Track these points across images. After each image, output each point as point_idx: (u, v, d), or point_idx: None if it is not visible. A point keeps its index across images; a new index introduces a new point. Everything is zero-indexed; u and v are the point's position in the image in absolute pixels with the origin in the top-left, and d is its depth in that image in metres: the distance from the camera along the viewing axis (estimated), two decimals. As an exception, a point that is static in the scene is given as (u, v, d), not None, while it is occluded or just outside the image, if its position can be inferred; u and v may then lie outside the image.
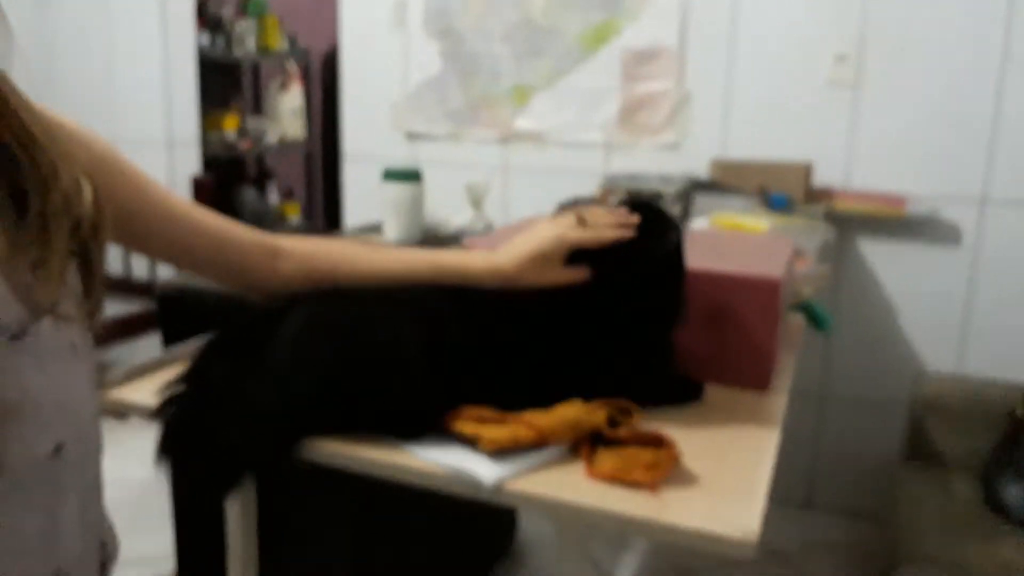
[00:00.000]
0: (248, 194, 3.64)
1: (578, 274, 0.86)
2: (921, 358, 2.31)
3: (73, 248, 0.64)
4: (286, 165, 3.92)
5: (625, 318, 0.87)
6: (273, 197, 3.82)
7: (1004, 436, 1.71)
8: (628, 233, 0.85)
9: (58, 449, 0.61)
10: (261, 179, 3.84)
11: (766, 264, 1.06)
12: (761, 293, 1.00)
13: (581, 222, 0.88)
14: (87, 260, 0.66)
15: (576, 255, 0.86)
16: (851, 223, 2.31)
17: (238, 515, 0.96)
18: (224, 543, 1.01)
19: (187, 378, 0.79)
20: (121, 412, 0.90)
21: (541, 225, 0.90)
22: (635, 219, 0.86)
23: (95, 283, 0.67)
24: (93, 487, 0.68)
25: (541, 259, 0.86)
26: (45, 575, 0.61)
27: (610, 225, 0.87)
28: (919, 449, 1.89)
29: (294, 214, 3.83)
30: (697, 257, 1.03)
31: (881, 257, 2.31)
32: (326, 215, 3.94)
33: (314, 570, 1.46)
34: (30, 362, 0.59)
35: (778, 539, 2.31)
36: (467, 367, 0.81)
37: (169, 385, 0.79)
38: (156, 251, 0.85)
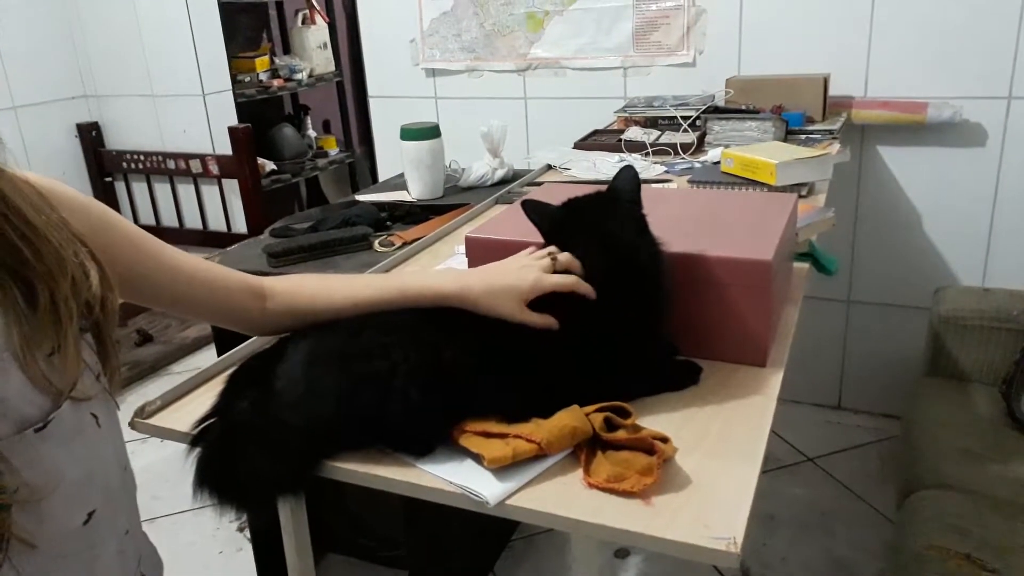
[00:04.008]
0: (286, 132, 3.72)
1: (545, 320, 0.91)
2: (946, 265, 2.32)
3: (85, 326, 0.67)
4: (319, 99, 3.97)
5: (610, 322, 0.93)
6: (310, 132, 3.90)
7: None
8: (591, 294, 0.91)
9: (90, 517, 0.66)
10: (297, 115, 3.92)
11: (759, 239, 1.07)
12: (752, 275, 1.01)
13: (553, 263, 0.92)
14: (100, 336, 0.70)
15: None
16: (871, 131, 2.28)
17: (289, 525, 1.09)
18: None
19: (213, 413, 0.89)
20: None
21: (519, 261, 0.94)
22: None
23: (110, 356, 0.71)
24: (129, 529, 0.73)
25: (512, 294, 0.90)
26: None
27: (573, 264, 0.92)
28: (939, 365, 1.92)
29: (332, 148, 3.91)
30: (687, 234, 1.06)
31: (903, 164, 2.29)
32: (363, 144, 4.00)
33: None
34: (55, 446, 0.62)
35: (810, 443, 2.42)
36: (465, 385, 0.87)
37: (199, 421, 0.89)
38: (154, 302, 0.88)
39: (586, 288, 0.92)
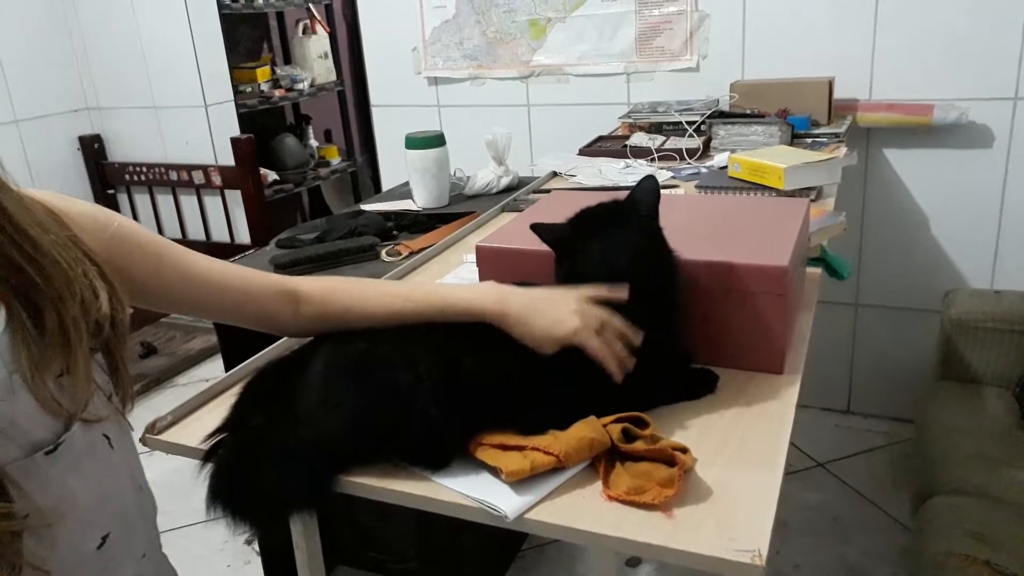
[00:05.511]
0: (288, 141, 3.72)
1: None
2: (954, 267, 2.31)
3: (95, 346, 0.66)
4: (320, 108, 3.97)
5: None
6: (312, 142, 3.90)
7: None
8: (630, 364, 0.89)
9: (104, 541, 0.65)
10: (299, 125, 3.91)
11: (773, 245, 1.05)
12: (768, 281, 1.00)
13: (601, 329, 0.88)
14: (111, 356, 0.69)
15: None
16: (877, 134, 2.27)
17: (301, 539, 1.07)
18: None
19: (226, 427, 0.88)
20: None
21: (569, 303, 0.89)
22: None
23: (122, 376, 0.70)
24: (147, 552, 0.72)
25: (550, 334, 0.87)
26: None
27: (623, 337, 0.89)
28: (951, 368, 1.90)
29: (334, 157, 3.90)
30: (700, 240, 1.05)
31: (910, 167, 2.28)
32: (365, 153, 4.00)
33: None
34: (66, 468, 0.61)
35: (821, 447, 2.40)
36: (485, 396, 0.87)
37: (211, 435, 0.88)
38: (183, 310, 0.87)
39: (616, 372, 0.89)
